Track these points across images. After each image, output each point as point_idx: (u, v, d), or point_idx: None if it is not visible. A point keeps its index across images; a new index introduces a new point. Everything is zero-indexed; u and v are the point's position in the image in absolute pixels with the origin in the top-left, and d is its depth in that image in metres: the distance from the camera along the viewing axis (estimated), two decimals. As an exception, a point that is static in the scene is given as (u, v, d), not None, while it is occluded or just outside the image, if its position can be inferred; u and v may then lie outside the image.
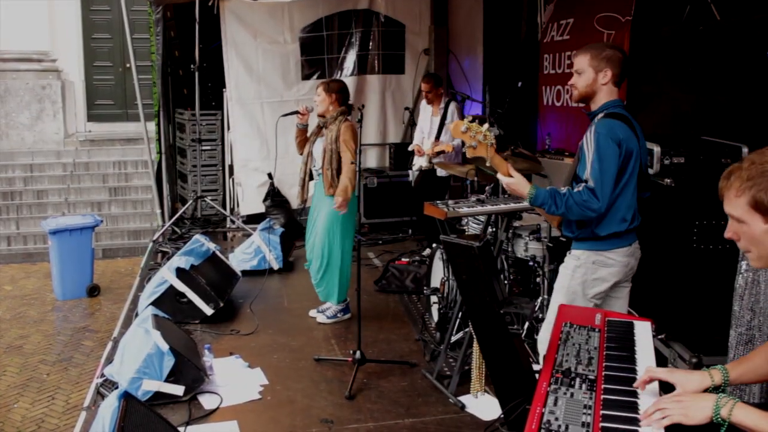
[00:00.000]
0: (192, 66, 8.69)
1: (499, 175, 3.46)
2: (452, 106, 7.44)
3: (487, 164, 3.46)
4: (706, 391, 2.34)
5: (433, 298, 5.47)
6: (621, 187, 3.37)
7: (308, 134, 5.73)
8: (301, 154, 5.77)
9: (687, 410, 2.07)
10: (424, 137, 7.57)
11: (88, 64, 13.12)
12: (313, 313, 5.92)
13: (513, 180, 3.41)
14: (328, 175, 5.48)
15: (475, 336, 3.99)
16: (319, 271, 5.66)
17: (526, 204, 3.68)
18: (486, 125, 3.40)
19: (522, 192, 3.39)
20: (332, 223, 5.53)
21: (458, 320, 4.74)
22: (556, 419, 2.14)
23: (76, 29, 12.93)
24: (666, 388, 2.38)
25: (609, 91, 3.47)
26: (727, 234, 2.15)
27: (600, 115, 3.43)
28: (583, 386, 2.36)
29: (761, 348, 2.45)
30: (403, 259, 7.23)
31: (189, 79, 9.14)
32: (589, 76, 3.46)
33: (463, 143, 3.50)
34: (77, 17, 12.90)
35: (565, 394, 2.31)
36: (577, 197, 3.29)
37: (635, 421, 2.16)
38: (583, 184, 3.32)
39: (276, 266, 7.14)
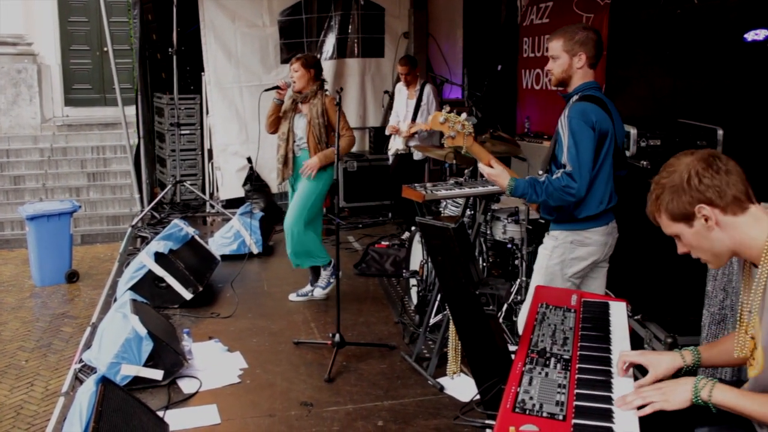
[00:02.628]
0: (170, 50, 8.62)
1: (480, 165, 3.47)
2: (428, 88, 7.43)
3: (463, 152, 3.47)
4: (679, 370, 2.39)
5: (413, 281, 5.49)
6: (597, 170, 3.40)
7: (281, 112, 5.65)
8: (271, 132, 5.72)
9: (667, 396, 2.12)
10: (399, 120, 7.56)
11: (65, 48, 12.97)
12: (293, 297, 5.92)
13: (493, 171, 3.41)
14: (315, 145, 5.48)
15: (451, 317, 4.01)
16: (303, 240, 5.60)
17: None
18: (464, 115, 3.40)
19: (501, 183, 3.40)
20: (311, 192, 5.52)
21: (437, 303, 4.76)
22: (531, 398, 2.16)
23: (52, 12, 12.77)
24: (641, 369, 2.42)
25: (584, 73, 3.49)
26: (680, 251, 2.26)
27: (574, 98, 3.45)
28: (558, 366, 2.38)
29: (734, 333, 2.49)
30: (382, 243, 7.25)
31: (167, 62, 9.06)
32: (564, 61, 3.48)
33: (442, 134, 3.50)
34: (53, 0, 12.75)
35: (540, 373, 2.33)
36: (556, 183, 3.32)
37: (609, 400, 2.20)
38: (561, 170, 3.34)
39: (255, 250, 7.12)
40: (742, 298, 2.25)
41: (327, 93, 5.56)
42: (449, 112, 3.40)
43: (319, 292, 5.86)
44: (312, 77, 5.53)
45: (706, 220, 2.12)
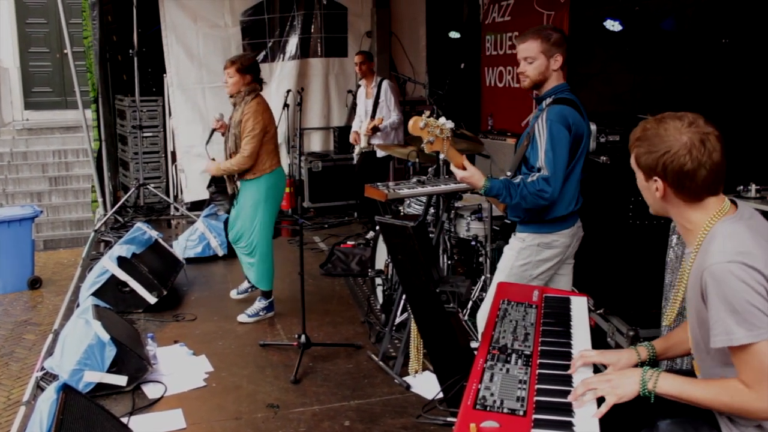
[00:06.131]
0: (131, 51, 8.53)
1: (453, 168, 3.44)
2: (385, 84, 7.40)
3: (442, 157, 3.43)
4: (634, 367, 2.42)
5: (378, 280, 5.48)
6: (569, 172, 3.39)
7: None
8: None
9: (616, 389, 2.14)
10: (362, 122, 7.55)
11: (23, 50, 12.77)
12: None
13: (467, 173, 3.37)
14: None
15: (412, 315, 4.02)
16: (249, 258, 5.47)
17: (464, 185, 3.69)
18: (442, 119, 3.37)
19: (476, 184, 3.35)
20: (255, 210, 5.33)
21: (402, 301, 4.76)
22: (492, 395, 2.18)
23: (9, 14, 12.56)
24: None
25: (558, 75, 3.45)
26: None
27: (548, 100, 3.42)
28: (519, 362, 2.40)
29: (686, 323, 2.53)
30: (348, 243, 7.25)
31: (128, 64, 8.96)
32: (542, 63, 3.41)
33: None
34: (9, 1, 12.52)
35: (501, 370, 2.34)
36: (532, 187, 3.29)
37: (569, 395, 2.21)
38: (537, 174, 3.33)
39: (220, 252, 7.08)
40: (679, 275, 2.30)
41: (259, 95, 5.23)
42: (429, 116, 3.36)
43: (243, 318, 5.51)
44: (248, 82, 5.19)
45: (657, 189, 2.17)
